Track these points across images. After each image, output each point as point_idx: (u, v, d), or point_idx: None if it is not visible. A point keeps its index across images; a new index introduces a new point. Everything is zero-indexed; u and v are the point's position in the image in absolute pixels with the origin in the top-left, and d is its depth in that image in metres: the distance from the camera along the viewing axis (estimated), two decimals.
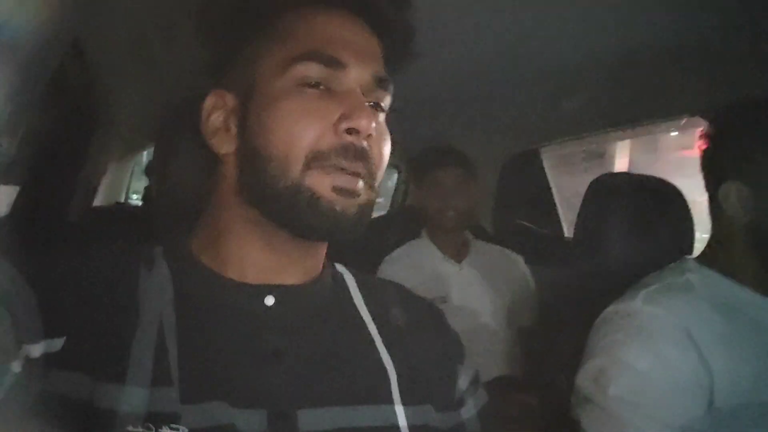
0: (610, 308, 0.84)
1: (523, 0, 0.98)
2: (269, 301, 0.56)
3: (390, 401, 0.56)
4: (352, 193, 0.52)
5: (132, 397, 0.47)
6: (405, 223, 1.92)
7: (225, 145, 0.56)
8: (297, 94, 0.52)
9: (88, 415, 0.45)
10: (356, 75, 0.54)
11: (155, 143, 0.77)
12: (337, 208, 0.51)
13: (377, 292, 0.66)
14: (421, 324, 0.66)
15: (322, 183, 0.51)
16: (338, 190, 0.51)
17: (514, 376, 1.53)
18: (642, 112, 1.39)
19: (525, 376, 1.51)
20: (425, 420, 0.58)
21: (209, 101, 0.57)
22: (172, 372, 0.49)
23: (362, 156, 0.52)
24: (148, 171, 1.94)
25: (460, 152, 1.69)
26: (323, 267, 0.62)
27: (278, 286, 0.56)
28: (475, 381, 0.67)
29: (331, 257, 0.64)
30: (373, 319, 0.62)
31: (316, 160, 0.51)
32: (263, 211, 0.54)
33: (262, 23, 0.56)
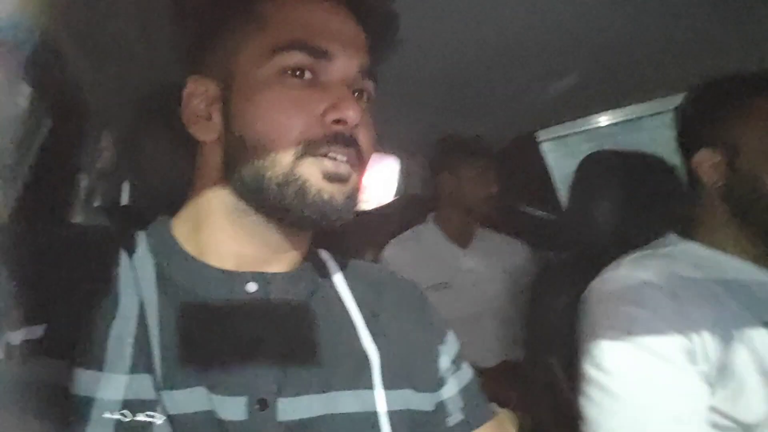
0: (596, 281, 0.85)
1: None
2: (251, 287, 0.56)
3: (371, 386, 0.56)
4: (341, 180, 0.53)
5: (110, 384, 0.47)
6: (409, 209, 1.92)
7: (207, 133, 0.56)
8: (280, 83, 0.52)
9: (65, 402, 0.45)
10: (342, 65, 0.54)
11: (130, 131, 0.77)
12: (325, 196, 0.52)
13: (360, 276, 0.66)
14: (403, 307, 0.66)
15: (312, 171, 0.51)
16: (328, 176, 0.52)
17: (517, 361, 1.52)
18: (631, 93, 1.38)
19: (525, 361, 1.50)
20: (405, 404, 0.58)
21: (189, 88, 0.57)
22: (153, 358, 0.49)
23: (351, 143, 0.53)
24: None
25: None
26: (306, 255, 0.63)
27: (260, 274, 0.57)
28: (456, 359, 0.67)
29: (332, 243, 0.65)
30: (357, 305, 0.62)
31: (308, 148, 0.51)
32: (249, 201, 0.55)
33: (242, 8, 0.55)
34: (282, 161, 0.51)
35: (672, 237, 0.89)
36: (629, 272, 0.81)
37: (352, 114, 0.52)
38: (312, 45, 0.53)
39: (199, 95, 0.57)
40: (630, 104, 1.49)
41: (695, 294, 0.76)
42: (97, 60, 1.02)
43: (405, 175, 2.56)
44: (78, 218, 1.59)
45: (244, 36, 0.54)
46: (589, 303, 0.84)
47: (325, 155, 0.52)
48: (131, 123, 0.72)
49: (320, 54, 0.53)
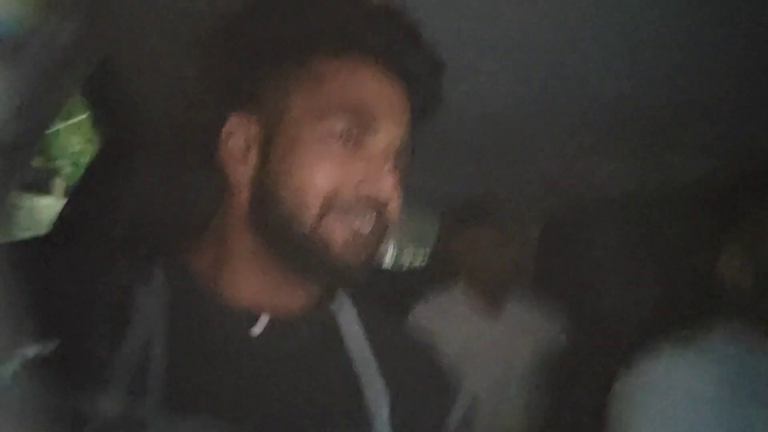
0: (634, 371, 0.78)
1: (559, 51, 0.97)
2: (258, 329, 0.55)
3: None
4: (364, 242, 0.54)
5: (105, 405, 0.47)
6: (443, 272, 1.88)
7: (240, 174, 0.56)
8: (325, 144, 0.53)
9: (60, 419, 0.45)
10: (386, 139, 0.55)
11: (164, 160, 0.78)
12: (347, 255, 0.53)
13: (373, 329, 0.64)
14: (413, 367, 0.63)
15: (334, 232, 0.52)
16: (353, 236, 0.53)
17: None
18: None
19: None
20: None
21: (231, 123, 0.57)
22: (150, 386, 0.49)
23: (378, 208, 0.54)
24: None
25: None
26: (320, 298, 0.61)
27: (270, 315, 0.56)
28: (467, 419, 0.63)
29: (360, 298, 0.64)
30: (364, 359, 0.60)
31: (332, 207, 0.52)
32: (271, 246, 0.55)
33: (298, 57, 0.56)
34: (305, 217, 0.52)
35: (719, 329, 0.79)
36: (671, 368, 0.75)
37: (385, 191, 0.53)
38: (363, 116, 0.54)
39: (239, 134, 0.56)
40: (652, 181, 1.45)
41: (733, 404, 0.70)
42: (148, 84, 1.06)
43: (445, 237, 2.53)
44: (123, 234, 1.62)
45: (299, 85, 0.55)
46: (626, 395, 0.77)
47: (349, 216, 0.53)
48: (165, 152, 0.73)
49: (369, 126, 0.54)
